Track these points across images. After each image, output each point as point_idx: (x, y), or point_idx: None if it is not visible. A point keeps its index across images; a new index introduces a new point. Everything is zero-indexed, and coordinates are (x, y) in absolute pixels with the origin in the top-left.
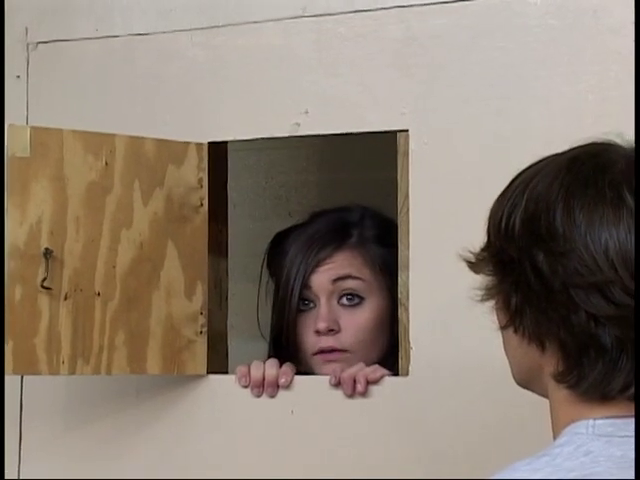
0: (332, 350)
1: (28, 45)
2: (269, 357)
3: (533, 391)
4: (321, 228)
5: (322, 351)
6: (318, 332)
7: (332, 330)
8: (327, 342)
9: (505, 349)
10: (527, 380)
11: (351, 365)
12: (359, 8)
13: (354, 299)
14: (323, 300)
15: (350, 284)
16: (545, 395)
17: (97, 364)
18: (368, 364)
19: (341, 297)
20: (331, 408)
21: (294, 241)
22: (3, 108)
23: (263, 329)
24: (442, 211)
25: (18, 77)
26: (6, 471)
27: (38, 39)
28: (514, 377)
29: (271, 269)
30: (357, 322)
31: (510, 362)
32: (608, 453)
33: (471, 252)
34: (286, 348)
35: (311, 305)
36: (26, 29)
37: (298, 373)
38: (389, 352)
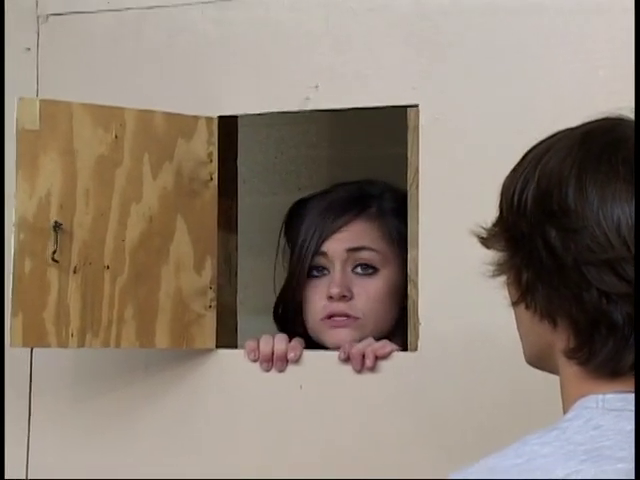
0: (344, 315)
1: (38, 17)
2: (275, 320)
3: (543, 369)
4: (340, 197)
5: (332, 316)
6: (331, 297)
7: (344, 296)
8: (339, 307)
9: (517, 326)
10: (538, 357)
11: (359, 332)
12: None
13: (368, 269)
14: (337, 267)
15: (365, 255)
16: (556, 372)
17: (106, 337)
18: (378, 334)
19: (355, 266)
20: (340, 383)
21: (312, 208)
22: (3, 81)
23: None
24: (452, 187)
25: (28, 49)
26: (15, 444)
27: (48, 11)
28: (525, 355)
29: (288, 236)
30: (370, 290)
31: (522, 339)
32: (618, 427)
33: (483, 227)
34: (291, 311)
35: (324, 272)
36: (36, 1)
37: (307, 346)
38: (398, 326)
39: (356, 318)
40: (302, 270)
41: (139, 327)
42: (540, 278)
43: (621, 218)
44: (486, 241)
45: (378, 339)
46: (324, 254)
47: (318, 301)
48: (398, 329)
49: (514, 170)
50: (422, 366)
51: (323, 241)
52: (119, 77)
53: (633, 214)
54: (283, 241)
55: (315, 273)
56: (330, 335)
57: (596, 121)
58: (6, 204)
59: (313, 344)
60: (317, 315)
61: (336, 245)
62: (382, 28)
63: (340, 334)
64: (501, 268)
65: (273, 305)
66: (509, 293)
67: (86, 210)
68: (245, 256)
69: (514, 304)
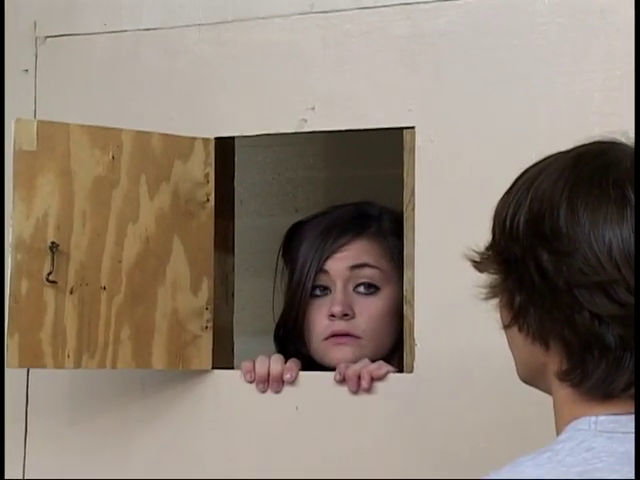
0: (345, 335)
1: (36, 39)
2: (275, 341)
3: (537, 388)
4: (340, 217)
5: (334, 335)
6: (332, 316)
7: (347, 315)
8: (340, 326)
9: (510, 347)
10: (531, 377)
11: (361, 351)
12: (366, 5)
13: (370, 288)
14: (339, 286)
15: (367, 273)
16: (549, 392)
17: (102, 358)
18: (379, 353)
19: (357, 285)
20: (336, 404)
21: (312, 229)
22: (3, 102)
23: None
24: (448, 208)
25: (26, 71)
26: (12, 464)
27: (46, 33)
28: (519, 374)
29: (286, 257)
30: (372, 309)
31: (515, 359)
32: (610, 449)
33: (476, 251)
34: (294, 332)
35: (326, 292)
36: (34, 23)
37: (304, 367)
38: (398, 346)
39: (358, 337)
40: (304, 290)
41: (135, 348)
42: (532, 301)
43: (612, 241)
44: (479, 265)
45: (376, 359)
46: (326, 273)
47: (320, 320)
48: (398, 349)
49: (506, 194)
50: (418, 387)
51: (325, 260)
52: (116, 98)
53: (624, 236)
54: (281, 263)
55: (317, 292)
56: (332, 354)
57: (588, 144)
58: (3, 225)
59: (313, 365)
60: (320, 335)
61: (338, 263)
62: (378, 50)
63: (342, 352)
64: (494, 291)
65: (274, 327)
66: (502, 316)
67: (83, 231)
68: (242, 277)
69: (507, 327)
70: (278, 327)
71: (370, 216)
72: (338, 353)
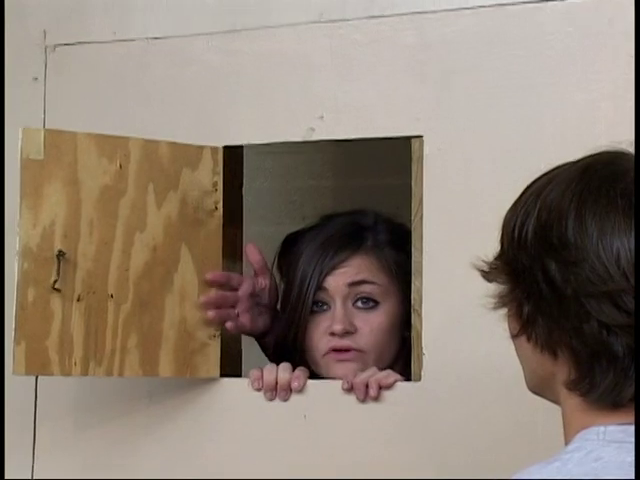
0: (347, 350)
1: (46, 48)
2: (267, 356)
3: (546, 398)
4: (336, 231)
5: (334, 350)
6: (333, 334)
7: (348, 332)
8: (341, 342)
9: (518, 356)
10: (540, 387)
11: (363, 365)
12: (374, 14)
13: (369, 303)
14: (339, 302)
15: (366, 288)
16: (557, 402)
17: (109, 366)
18: (380, 366)
19: (356, 300)
20: (343, 413)
21: (308, 243)
22: (3, 111)
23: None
24: (456, 217)
25: (36, 79)
26: (20, 472)
27: (56, 42)
28: (527, 384)
29: (282, 270)
30: (373, 324)
31: (523, 369)
32: (619, 459)
33: (484, 261)
34: (294, 348)
35: (324, 307)
36: (44, 32)
37: (311, 377)
38: (399, 356)
39: (360, 351)
40: (304, 307)
41: (143, 356)
42: (540, 310)
43: (620, 250)
44: (487, 275)
45: (380, 369)
46: (325, 290)
47: (320, 337)
48: (399, 358)
49: (515, 204)
50: (425, 396)
51: (324, 277)
52: (125, 107)
53: (632, 246)
54: (277, 276)
55: (315, 308)
56: (335, 369)
57: (596, 155)
58: (10, 233)
59: (316, 375)
60: (320, 351)
61: (337, 280)
62: (386, 59)
63: (345, 368)
64: (502, 300)
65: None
66: (510, 325)
67: (90, 239)
68: None
69: (515, 336)
70: (277, 342)
71: (366, 228)
72: (341, 369)
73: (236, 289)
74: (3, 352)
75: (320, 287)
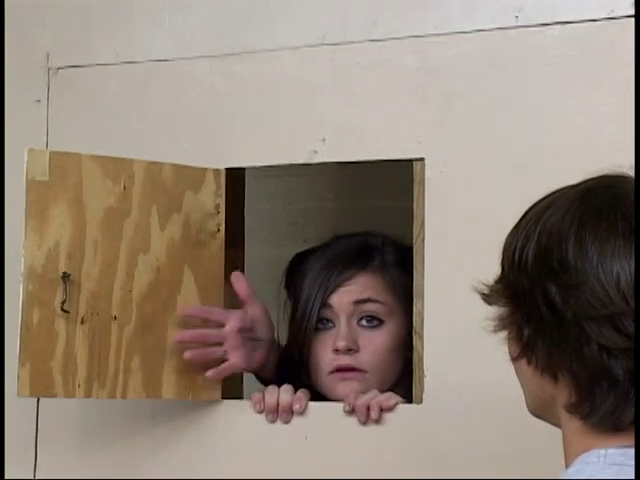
0: (350, 369)
1: (49, 70)
2: (277, 372)
3: (546, 421)
4: (344, 250)
5: (339, 369)
6: (337, 351)
7: (351, 350)
8: (345, 361)
9: (519, 379)
10: (540, 410)
11: (366, 385)
12: (376, 37)
13: (373, 321)
14: (343, 320)
15: (370, 307)
16: (558, 425)
17: (113, 388)
18: (384, 386)
19: (361, 319)
20: (345, 435)
21: (315, 261)
22: (3, 131)
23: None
24: (457, 240)
25: (39, 101)
26: None
27: (59, 64)
28: (528, 406)
29: (289, 289)
30: (376, 343)
31: (524, 392)
32: None
33: (485, 284)
34: (299, 364)
35: (329, 325)
36: (47, 54)
37: (312, 398)
38: (403, 377)
39: (362, 371)
40: (309, 324)
41: (145, 378)
42: (540, 333)
43: (620, 274)
44: (488, 298)
45: (382, 391)
46: (330, 307)
47: (325, 354)
48: (402, 379)
49: (516, 227)
50: (427, 418)
51: (329, 294)
52: (128, 129)
53: (632, 270)
54: (284, 294)
55: (320, 326)
56: (338, 389)
57: (596, 178)
58: (15, 254)
59: (318, 397)
60: (324, 369)
61: (342, 298)
62: (388, 82)
63: (348, 387)
64: (503, 323)
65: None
66: (510, 348)
67: (94, 261)
68: None
69: (515, 359)
70: (282, 360)
71: (373, 248)
72: (344, 388)
73: (223, 325)
74: (3, 372)
75: (325, 304)
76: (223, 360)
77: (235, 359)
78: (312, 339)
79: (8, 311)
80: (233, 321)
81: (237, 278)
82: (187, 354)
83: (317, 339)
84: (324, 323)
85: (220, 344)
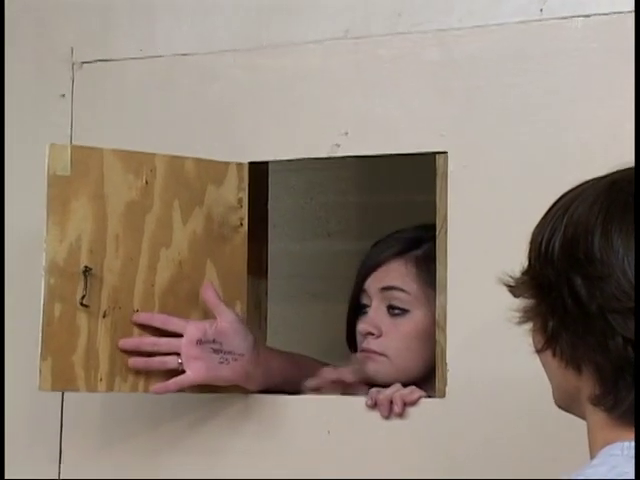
0: (370, 351)
1: (73, 65)
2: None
3: (573, 413)
4: (390, 236)
5: (363, 350)
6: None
7: (371, 334)
8: (368, 344)
9: (545, 371)
10: (566, 402)
11: (384, 369)
12: (399, 31)
13: (398, 309)
14: (374, 304)
15: (395, 295)
16: (584, 417)
17: (135, 382)
18: (409, 376)
19: (390, 305)
20: (367, 429)
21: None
22: (3, 125)
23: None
24: (480, 233)
25: (63, 96)
26: None
27: (83, 59)
28: (554, 399)
29: None
30: (399, 330)
31: (551, 384)
32: None
33: (511, 276)
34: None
35: (367, 309)
36: (71, 49)
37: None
38: (432, 371)
39: (381, 354)
40: (350, 307)
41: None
42: (565, 326)
43: None
44: (514, 289)
45: (408, 383)
46: (365, 291)
47: (358, 336)
48: (432, 375)
49: (542, 219)
50: (450, 412)
51: (364, 279)
52: (151, 123)
53: None
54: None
55: (364, 310)
56: (366, 366)
57: (622, 171)
58: (37, 249)
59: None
60: (358, 349)
61: (373, 283)
62: (411, 75)
63: (370, 367)
64: (527, 315)
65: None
66: (534, 340)
67: (116, 255)
68: (275, 301)
69: (539, 351)
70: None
71: (422, 239)
72: (369, 366)
73: (181, 335)
74: (3, 363)
75: (362, 289)
76: (182, 372)
77: (192, 371)
78: (354, 321)
79: (30, 305)
80: (191, 331)
81: (206, 288)
82: (130, 361)
83: (359, 322)
84: (364, 307)
85: (177, 354)
